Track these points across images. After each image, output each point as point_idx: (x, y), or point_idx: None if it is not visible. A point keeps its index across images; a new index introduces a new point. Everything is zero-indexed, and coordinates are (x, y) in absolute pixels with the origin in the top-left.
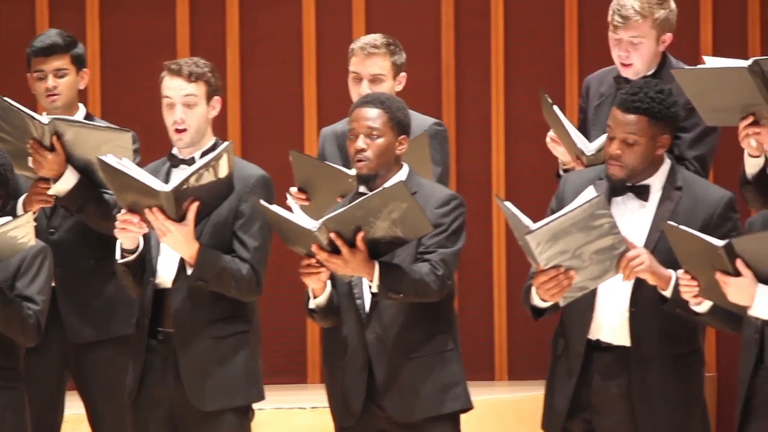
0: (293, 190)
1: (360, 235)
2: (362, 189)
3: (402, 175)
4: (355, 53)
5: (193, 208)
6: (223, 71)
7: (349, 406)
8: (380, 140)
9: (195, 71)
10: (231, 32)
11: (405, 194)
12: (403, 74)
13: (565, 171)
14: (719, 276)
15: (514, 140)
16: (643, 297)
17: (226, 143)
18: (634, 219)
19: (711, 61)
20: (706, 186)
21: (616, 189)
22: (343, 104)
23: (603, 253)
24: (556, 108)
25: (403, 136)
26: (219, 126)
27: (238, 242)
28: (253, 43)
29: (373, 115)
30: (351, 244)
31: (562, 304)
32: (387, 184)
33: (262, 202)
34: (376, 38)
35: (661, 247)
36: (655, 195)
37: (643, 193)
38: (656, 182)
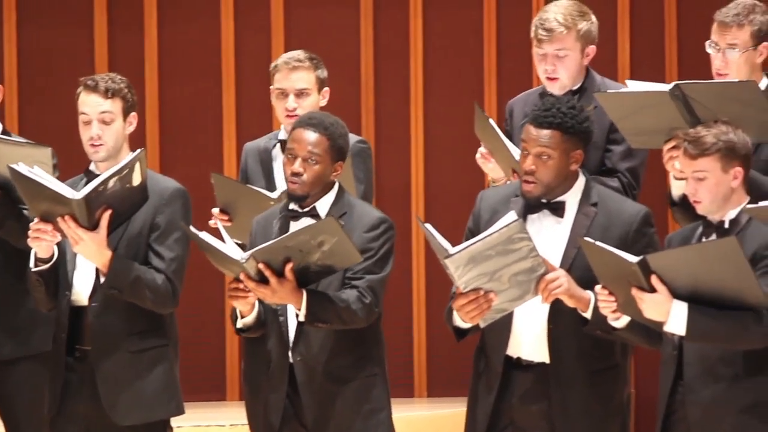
0: (215, 211)
1: (289, 266)
2: (292, 206)
3: (331, 196)
4: (279, 69)
5: (106, 216)
6: (141, 86)
7: (270, 423)
8: (317, 166)
9: (111, 87)
10: (149, 47)
11: (335, 229)
12: (326, 89)
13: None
14: (635, 292)
15: (434, 157)
16: (561, 314)
17: (138, 151)
18: (550, 236)
19: (633, 85)
20: (621, 201)
21: (531, 206)
22: (262, 120)
23: (522, 276)
24: (491, 121)
25: (339, 162)
26: (138, 140)
27: (153, 254)
28: (172, 58)
29: (314, 140)
30: (280, 273)
31: (482, 325)
32: (318, 205)
33: (192, 228)
34: (299, 53)
35: (578, 264)
36: (571, 211)
37: (558, 210)
38: (571, 199)
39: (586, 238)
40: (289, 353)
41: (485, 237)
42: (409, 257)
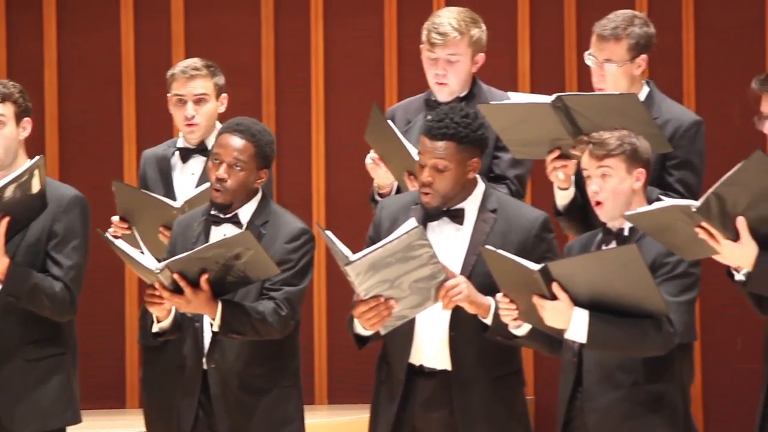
0: (115, 219)
1: (204, 277)
2: (214, 211)
3: (254, 204)
4: (176, 77)
5: (4, 223)
6: (40, 93)
7: (181, 430)
8: (242, 173)
9: (2, 92)
10: (49, 53)
11: (251, 242)
12: (224, 95)
13: (380, 195)
14: (536, 299)
15: (335, 164)
16: (462, 321)
17: (37, 158)
18: (450, 243)
19: (516, 97)
20: (520, 207)
21: (431, 214)
22: (162, 128)
23: (422, 283)
24: (390, 122)
25: (264, 170)
26: (37, 149)
27: (51, 261)
28: (72, 65)
29: (240, 147)
30: (195, 283)
31: (382, 332)
32: (240, 212)
33: (107, 235)
34: (196, 61)
35: (479, 271)
36: (470, 218)
37: (458, 217)
38: (470, 206)
39: (487, 246)
40: (204, 360)
41: (386, 244)
42: (312, 272)
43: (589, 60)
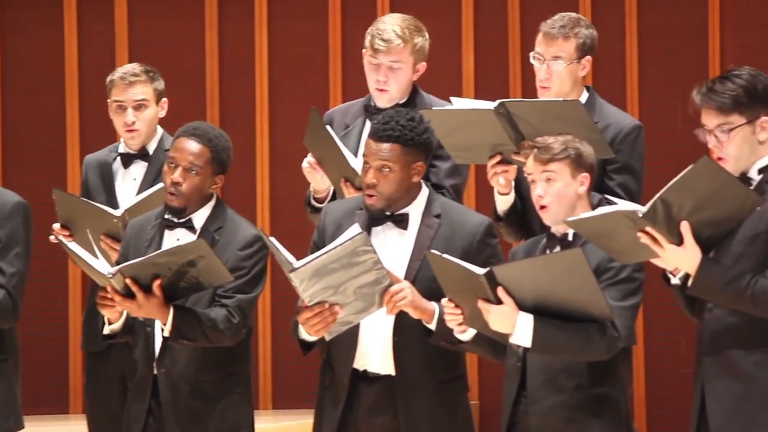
0: (56, 226)
1: (157, 282)
2: (168, 215)
3: (208, 209)
4: (116, 83)
5: None
6: None
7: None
8: (197, 178)
9: None
10: None
11: (205, 250)
12: (164, 99)
13: (316, 200)
14: (481, 304)
15: (279, 169)
16: (406, 326)
17: None
18: (394, 248)
19: (458, 102)
20: (464, 212)
21: (375, 219)
22: (106, 132)
23: (367, 288)
24: (328, 127)
25: (219, 176)
26: None
27: None
28: (15, 69)
29: (196, 151)
30: (147, 288)
31: (327, 338)
32: (194, 217)
33: (61, 239)
34: (135, 67)
35: (423, 276)
36: (414, 223)
37: (402, 222)
38: (414, 211)
39: (433, 251)
40: (155, 365)
41: (330, 250)
42: (265, 280)
43: (534, 60)
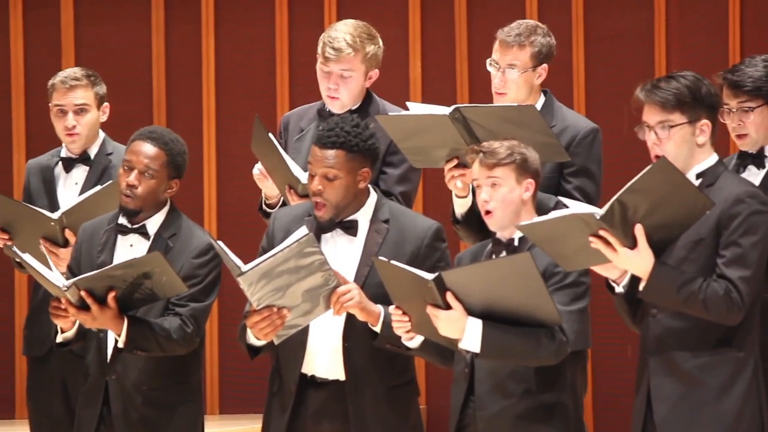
0: None
1: (111, 294)
2: (122, 220)
3: (162, 215)
4: (57, 88)
5: None
6: None
7: None
8: (152, 181)
9: None
10: None
11: (161, 263)
12: (106, 104)
13: (267, 205)
14: (430, 309)
15: (226, 174)
16: (355, 330)
17: None
18: (343, 254)
19: (414, 107)
20: (413, 217)
21: (324, 226)
22: (51, 137)
23: (315, 291)
24: (271, 135)
25: (175, 180)
26: None
27: None
28: None
29: (151, 154)
30: (102, 300)
31: (276, 342)
32: (148, 223)
33: (15, 249)
34: (76, 71)
35: (371, 282)
36: (363, 229)
37: (351, 228)
38: (363, 217)
39: (380, 258)
40: (107, 371)
41: (277, 253)
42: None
43: (490, 67)
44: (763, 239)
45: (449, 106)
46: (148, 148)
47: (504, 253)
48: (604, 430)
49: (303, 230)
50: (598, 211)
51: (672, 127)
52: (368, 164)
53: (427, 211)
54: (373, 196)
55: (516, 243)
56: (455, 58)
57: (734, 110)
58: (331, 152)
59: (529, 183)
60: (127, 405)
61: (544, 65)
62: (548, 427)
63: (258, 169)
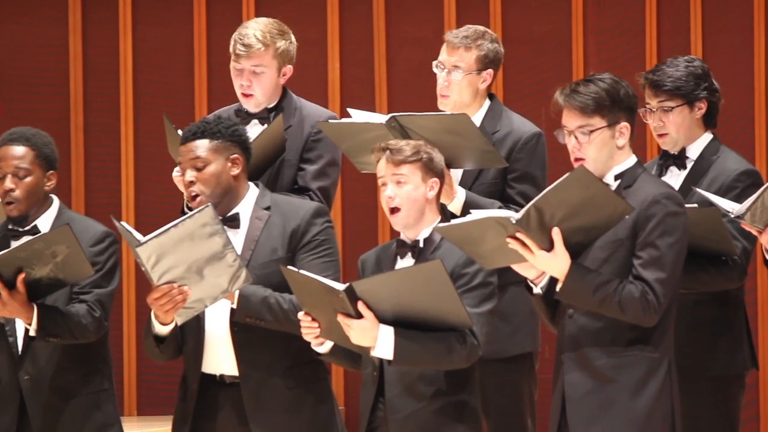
0: None
1: (21, 277)
2: (11, 226)
3: (53, 212)
4: None
5: None
6: None
7: None
8: (28, 179)
9: None
10: None
11: (70, 238)
12: None
13: (189, 208)
14: (341, 318)
15: (144, 174)
16: (243, 326)
17: None
18: None
19: (355, 115)
20: (296, 202)
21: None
22: None
23: (218, 268)
24: (181, 132)
25: (51, 172)
26: None
27: None
28: None
29: (19, 154)
30: (11, 285)
31: (179, 322)
32: (39, 222)
33: None
34: None
35: (254, 264)
36: (245, 220)
37: (234, 221)
38: (244, 208)
39: (290, 267)
40: (19, 373)
41: (176, 223)
42: (119, 274)
43: (436, 68)
44: (680, 241)
45: (368, 107)
46: (14, 150)
47: (408, 255)
48: None
49: (205, 205)
50: (515, 215)
51: (592, 131)
52: (237, 151)
53: (346, 209)
54: (254, 190)
55: (421, 244)
56: (374, 59)
57: (655, 110)
58: (196, 143)
59: (434, 182)
60: (40, 399)
61: (490, 70)
62: (459, 427)
63: (177, 171)
